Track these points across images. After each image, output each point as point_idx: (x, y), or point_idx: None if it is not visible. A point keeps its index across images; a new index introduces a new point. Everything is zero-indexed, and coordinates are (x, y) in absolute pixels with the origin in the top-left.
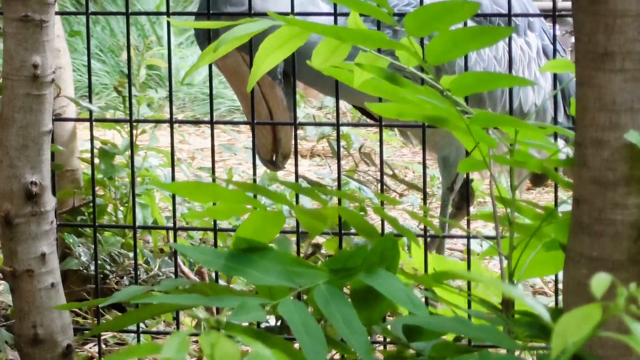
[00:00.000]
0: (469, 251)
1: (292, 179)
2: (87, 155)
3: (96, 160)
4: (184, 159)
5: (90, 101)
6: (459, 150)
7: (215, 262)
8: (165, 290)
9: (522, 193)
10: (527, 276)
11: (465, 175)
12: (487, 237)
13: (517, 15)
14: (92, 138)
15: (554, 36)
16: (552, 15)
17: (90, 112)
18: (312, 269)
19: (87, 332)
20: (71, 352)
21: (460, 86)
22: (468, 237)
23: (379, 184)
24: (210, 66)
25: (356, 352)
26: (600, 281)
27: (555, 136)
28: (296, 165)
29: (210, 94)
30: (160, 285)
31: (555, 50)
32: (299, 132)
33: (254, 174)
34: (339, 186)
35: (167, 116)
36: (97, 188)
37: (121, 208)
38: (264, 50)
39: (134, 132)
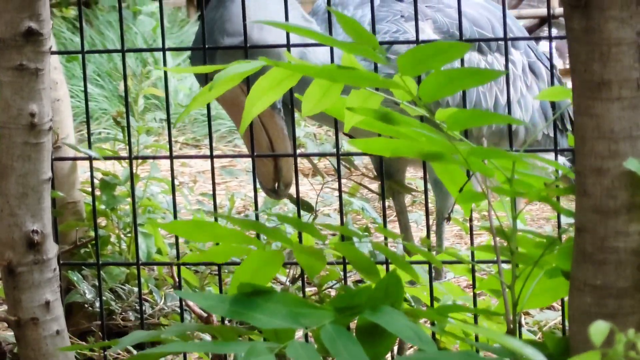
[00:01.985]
0: (474, 281)
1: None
2: (88, 187)
3: (97, 192)
4: (185, 183)
5: (89, 133)
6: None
7: (220, 307)
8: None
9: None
10: (530, 306)
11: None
12: (486, 262)
13: (513, 39)
14: (92, 180)
15: (551, 54)
16: (548, 19)
17: (91, 159)
18: (318, 309)
19: None
20: None
21: (456, 122)
22: (473, 268)
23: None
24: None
25: None
26: (599, 329)
27: (556, 153)
28: (297, 190)
29: (209, 129)
30: (167, 331)
31: (552, 66)
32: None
33: (256, 208)
34: (341, 212)
35: (167, 140)
36: (99, 219)
37: (124, 238)
38: (256, 91)
39: (134, 161)
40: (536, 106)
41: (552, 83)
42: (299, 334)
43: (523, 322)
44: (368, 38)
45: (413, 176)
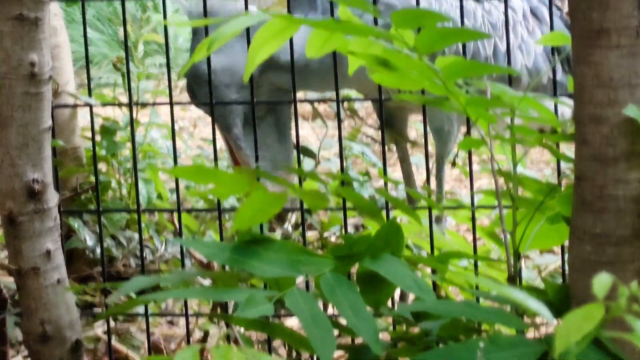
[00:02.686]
0: (474, 227)
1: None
2: (89, 133)
3: (97, 137)
4: (185, 128)
5: (89, 79)
6: (450, 120)
7: (221, 255)
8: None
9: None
10: (532, 247)
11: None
12: (488, 207)
13: None
14: (92, 126)
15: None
16: None
17: (91, 106)
18: (317, 257)
19: (97, 315)
20: (80, 347)
21: (453, 72)
22: (473, 213)
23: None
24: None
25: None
26: (601, 281)
27: (555, 90)
28: (297, 134)
29: (209, 76)
30: (168, 278)
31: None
32: (299, 94)
33: (257, 159)
34: (341, 155)
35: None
36: (99, 165)
37: (124, 184)
38: (258, 40)
39: (135, 107)
40: (539, 50)
41: (552, 28)
42: (300, 279)
43: (523, 265)
44: None
45: (413, 119)
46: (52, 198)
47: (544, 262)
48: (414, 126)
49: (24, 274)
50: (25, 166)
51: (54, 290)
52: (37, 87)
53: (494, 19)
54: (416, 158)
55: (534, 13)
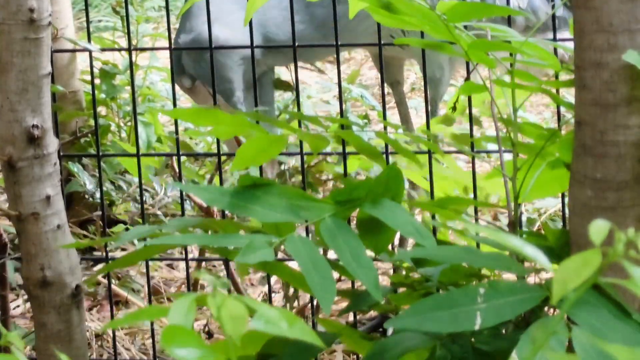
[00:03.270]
0: (474, 172)
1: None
2: (88, 77)
3: (97, 81)
4: None
5: (88, 24)
6: (440, 66)
7: (221, 200)
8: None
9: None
10: (533, 197)
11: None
12: (488, 152)
13: None
14: (92, 71)
15: None
16: None
17: (90, 52)
18: (318, 202)
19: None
20: (80, 292)
21: (456, 14)
22: (473, 160)
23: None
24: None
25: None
26: (598, 228)
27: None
28: (296, 77)
29: (208, 21)
30: (168, 225)
31: None
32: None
33: (255, 103)
34: (340, 99)
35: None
36: (99, 108)
37: (124, 127)
38: None
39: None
40: None
41: None
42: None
43: (523, 209)
44: None
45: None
46: (52, 143)
47: (544, 205)
48: (412, 69)
49: (23, 219)
50: (25, 112)
51: (54, 235)
52: (37, 33)
53: None
54: (415, 102)
55: None
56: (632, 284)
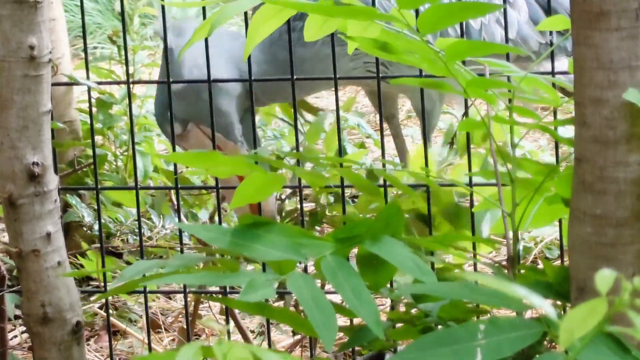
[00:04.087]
0: (471, 205)
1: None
2: (85, 106)
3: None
4: None
5: (86, 56)
6: (431, 98)
7: (221, 239)
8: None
9: None
10: (529, 227)
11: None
12: (487, 184)
13: None
14: (90, 103)
15: None
16: None
17: (89, 91)
18: (318, 239)
19: (96, 295)
20: (80, 328)
21: (455, 52)
22: (471, 193)
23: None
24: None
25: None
26: (604, 276)
27: (553, 76)
28: (295, 112)
29: (207, 54)
30: (169, 263)
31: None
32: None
33: (255, 144)
34: (339, 132)
35: None
36: (96, 137)
37: (121, 156)
38: (258, 19)
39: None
40: (523, 18)
41: None
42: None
43: (519, 237)
44: None
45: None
46: (52, 180)
47: (541, 233)
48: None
49: (24, 257)
50: (25, 149)
51: (55, 272)
52: (37, 70)
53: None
54: (411, 130)
55: None
56: (637, 332)
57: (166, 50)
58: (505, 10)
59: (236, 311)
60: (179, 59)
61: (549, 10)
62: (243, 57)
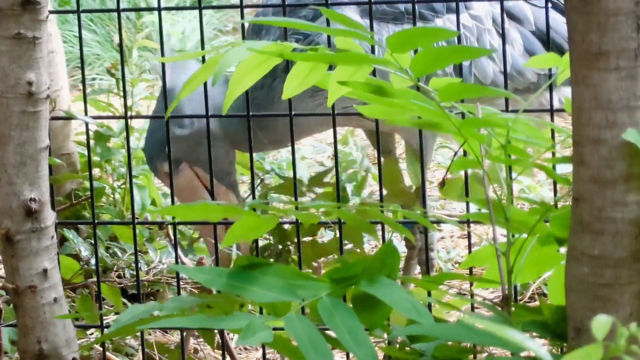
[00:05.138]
0: (469, 246)
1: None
2: (82, 138)
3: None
4: None
5: (84, 90)
6: (425, 136)
7: (217, 281)
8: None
9: None
10: (525, 279)
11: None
12: (481, 221)
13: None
14: (87, 137)
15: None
16: None
17: (87, 124)
18: (314, 280)
19: (89, 333)
20: None
21: (448, 94)
22: (469, 233)
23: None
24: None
25: None
26: (601, 322)
27: (552, 114)
28: (292, 150)
29: (205, 95)
30: (166, 306)
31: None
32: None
33: (253, 196)
34: (337, 167)
35: None
36: (93, 170)
37: (118, 189)
38: (241, 71)
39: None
40: (518, 51)
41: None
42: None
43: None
44: (357, 25)
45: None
46: (49, 217)
47: None
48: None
49: (20, 293)
50: (23, 185)
51: (51, 308)
52: (35, 106)
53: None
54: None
55: (509, 13)
56: None
57: (164, 87)
58: (504, 44)
59: (232, 346)
60: (185, 103)
61: (547, 42)
62: (223, 110)
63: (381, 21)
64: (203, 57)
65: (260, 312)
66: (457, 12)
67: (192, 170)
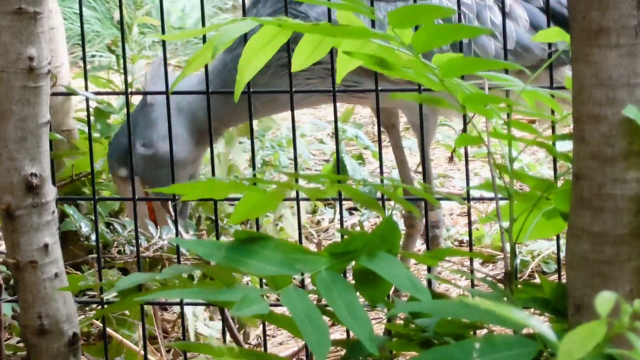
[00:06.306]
0: (469, 222)
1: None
2: (83, 114)
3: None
4: None
5: (85, 67)
6: (425, 113)
7: (216, 254)
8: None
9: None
10: (530, 238)
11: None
12: (486, 199)
13: None
14: (88, 115)
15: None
16: None
17: (87, 100)
18: (313, 255)
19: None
20: (77, 340)
21: (450, 69)
22: (469, 210)
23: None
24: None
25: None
26: (605, 299)
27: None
28: (293, 121)
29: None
30: (163, 272)
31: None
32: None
33: (253, 166)
34: (337, 144)
35: None
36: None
37: None
38: (249, 51)
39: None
40: (523, 28)
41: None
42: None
43: (517, 251)
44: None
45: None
46: (50, 192)
47: (538, 247)
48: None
49: (21, 268)
50: (24, 160)
51: (52, 284)
52: (36, 81)
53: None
54: (409, 142)
55: None
56: (636, 355)
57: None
58: (505, 20)
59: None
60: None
61: (548, 16)
62: (235, 97)
63: (380, 1)
64: (204, 37)
65: (261, 286)
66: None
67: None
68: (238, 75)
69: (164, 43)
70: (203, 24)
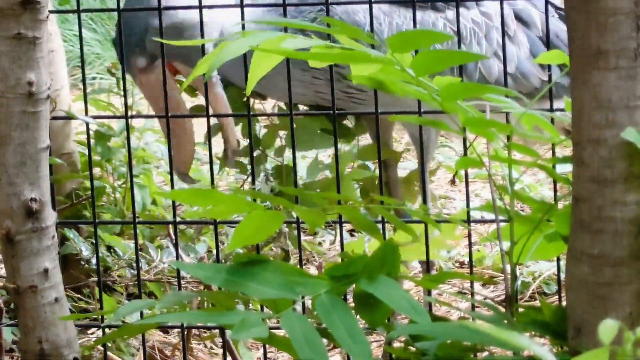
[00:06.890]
0: (469, 244)
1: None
2: (83, 137)
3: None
4: None
5: (85, 90)
6: (427, 129)
7: (217, 278)
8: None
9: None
10: (531, 259)
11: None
12: (487, 221)
13: None
14: (88, 137)
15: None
16: None
17: (87, 124)
18: (313, 278)
19: (90, 332)
20: None
21: (450, 94)
22: (469, 233)
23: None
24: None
25: None
26: (607, 326)
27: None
28: (293, 145)
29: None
30: (164, 301)
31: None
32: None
33: (253, 183)
34: (337, 169)
35: None
36: (94, 169)
37: (119, 188)
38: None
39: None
40: (524, 54)
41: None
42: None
43: (517, 273)
44: (357, 30)
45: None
46: (50, 217)
47: (539, 268)
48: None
49: (21, 292)
50: (23, 185)
51: (52, 308)
52: (35, 106)
53: (460, 28)
54: (410, 164)
55: (518, 16)
56: None
57: None
58: (504, 40)
59: (233, 348)
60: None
61: (548, 44)
62: (247, 91)
63: (394, 5)
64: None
65: (262, 310)
66: (457, 14)
67: (168, 67)
68: (250, 73)
69: (162, 45)
70: (203, 52)
